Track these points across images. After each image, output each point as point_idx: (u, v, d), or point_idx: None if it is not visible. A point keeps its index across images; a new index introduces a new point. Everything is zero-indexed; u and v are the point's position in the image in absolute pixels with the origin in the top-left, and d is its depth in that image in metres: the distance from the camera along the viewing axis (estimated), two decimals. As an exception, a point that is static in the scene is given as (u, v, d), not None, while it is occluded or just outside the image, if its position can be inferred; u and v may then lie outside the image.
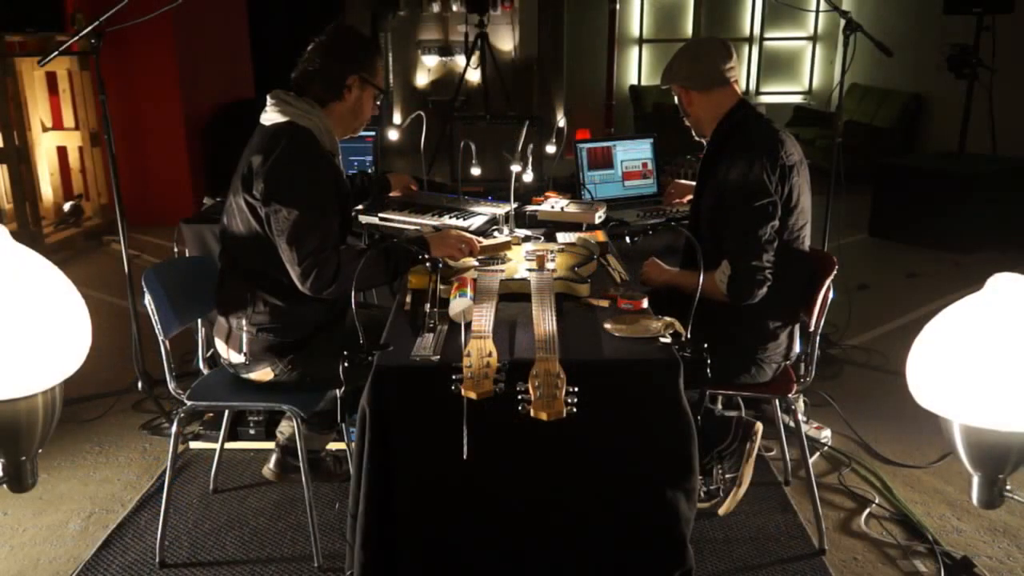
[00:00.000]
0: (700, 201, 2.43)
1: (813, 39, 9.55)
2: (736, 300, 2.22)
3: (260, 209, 2.13)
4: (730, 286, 2.21)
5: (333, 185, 2.22)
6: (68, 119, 5.83)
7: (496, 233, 2.70)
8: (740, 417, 2.47)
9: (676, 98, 2.46)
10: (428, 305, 1.93)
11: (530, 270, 2.20)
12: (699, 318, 1.84)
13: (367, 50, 2.28)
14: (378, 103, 2.34)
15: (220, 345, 2.31)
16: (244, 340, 2.23)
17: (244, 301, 2.22)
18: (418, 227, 2.72)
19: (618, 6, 7.62)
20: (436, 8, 9.07)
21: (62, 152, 5.91)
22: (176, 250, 3.10)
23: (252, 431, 2.90)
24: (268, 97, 2.22)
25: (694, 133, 2.49)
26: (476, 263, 2.27)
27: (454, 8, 8.98)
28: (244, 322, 2.22)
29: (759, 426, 2.42)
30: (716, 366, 1.81)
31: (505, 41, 9.06)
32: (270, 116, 2.20)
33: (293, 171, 2.11)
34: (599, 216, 2.90)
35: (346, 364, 1.71)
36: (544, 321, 1.80)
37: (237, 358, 2.26)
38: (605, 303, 2.06)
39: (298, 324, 2.23)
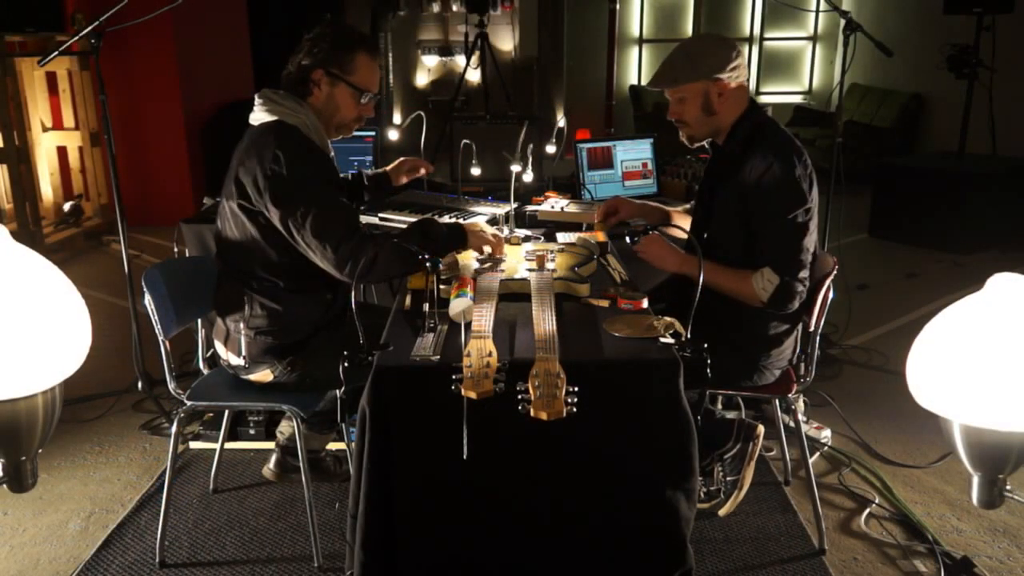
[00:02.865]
0: (712, 204, 2.33)
1: (813, 39, 9.55)
2: (775, 309, 2.20)
3: (268, 215, 2.10)
4: (773, 296, 2.16)
5: (333, 174, 2.22)
6: (68, 119, 5.84)
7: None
8: (742, 420, 2.47)
9: (683, 98, 2.25)
10: (428, 305, 1.93)
11: (530, 270, 2.20)
12: (700, 319, 1.84)
13: (341, 46, 2.20)
14: (363, 102, 2.25)
15: (219, 347, 2.30)
16: (243, 343, 2.23)
17: (241, 304, 2.21)
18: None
19: (618, 6, 7.62)
20: (436, 8, 9.07)
21: (62, 152, 5.92)
22: (176, 250, 3.09)
23: (252, 431, 2.90)
24: (256, 96, 2.20)
25: (686, 138, 2.32)
26: (476, 264, 2.26)
27: (454, 8, 8.98)
28: (242, 325, 2.22)
29: (761, 428, 2.41)
30: (719, 372, 1.80)
31: (505, 41, 9.06)
32: (258, 115, 2.18)
33: (292, 171, 2.09)
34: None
35: (346, 364, 1.70)
36: (544, 321, 1.80)
37: (236, 360, 2.26)
38: (605, 303, 2.06)
39: (296, 326, 2.23)
